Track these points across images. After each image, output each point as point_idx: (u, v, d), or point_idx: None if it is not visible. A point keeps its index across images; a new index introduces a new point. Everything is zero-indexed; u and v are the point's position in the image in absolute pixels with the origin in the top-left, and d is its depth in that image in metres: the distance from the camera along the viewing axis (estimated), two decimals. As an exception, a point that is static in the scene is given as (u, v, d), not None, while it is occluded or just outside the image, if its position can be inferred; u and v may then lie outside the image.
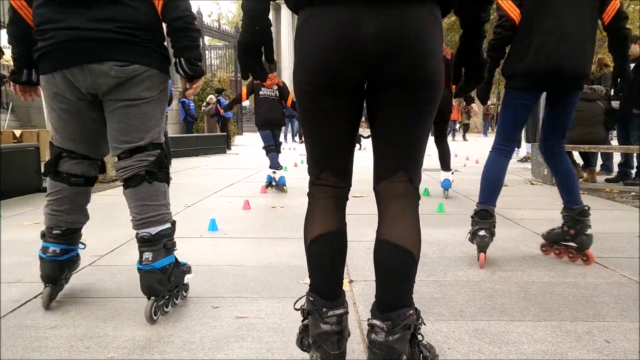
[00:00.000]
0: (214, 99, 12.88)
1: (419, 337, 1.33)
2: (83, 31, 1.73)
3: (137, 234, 1.84)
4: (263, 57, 1.34)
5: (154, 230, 1.83)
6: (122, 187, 1.89)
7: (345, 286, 2.14)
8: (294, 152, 11.67)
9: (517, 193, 5.11)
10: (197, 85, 1.97)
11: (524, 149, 9.10)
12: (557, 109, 2.54)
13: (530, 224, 3.50)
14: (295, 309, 1.45)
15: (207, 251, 2.78)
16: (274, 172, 5.26)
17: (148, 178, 1.83)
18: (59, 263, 1.92)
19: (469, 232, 2.60)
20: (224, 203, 4.48)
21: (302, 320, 1.43)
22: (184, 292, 2.02)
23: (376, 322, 1.24)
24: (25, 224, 3.48)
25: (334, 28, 1.15)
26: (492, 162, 2.59)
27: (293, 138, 17.73)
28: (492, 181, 2.56)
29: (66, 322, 1.79)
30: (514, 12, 2.33)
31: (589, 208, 2.58)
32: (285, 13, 27.50)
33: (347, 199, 1.40)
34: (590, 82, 6.00)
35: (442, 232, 3.25)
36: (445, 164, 4.82)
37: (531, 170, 6.50)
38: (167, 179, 1.91)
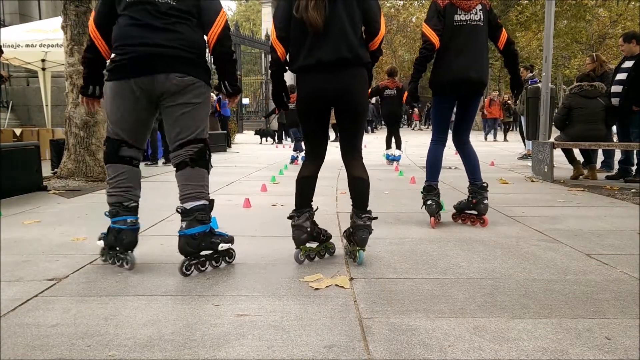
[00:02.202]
0: (214, 97, 12.85)
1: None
2: (153, 48, 2.27)
3: (178, 207, 2.35)
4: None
5: (189, 205, 2.33)
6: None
7: (346, 284, 2.16)
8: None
9: (517, 190, 5.11)
10: (236, 100, 2.62)
11: (524, 145, 9.09)
12: (465, 110, 3.47)
13: (531, 221, 3.50)
14: (287, 217, 2.55)
15: (207, 249, 2.78)
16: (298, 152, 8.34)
17: (190, 164, 2.35)
18: (136, 231, 2.43)
19: (423, 204, 3.50)
20: (224, 201, 4.47)
21: (291, 223, 2.53)
22: (227, 258, 2.51)
23: (362, 215, 2.48)
24: (25, 223, 3.48)
25: (313, 85, 2.44)
26: (434, 150, 3.54)
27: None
28: (435, 164, 3.52)
29: (67, 320, 1.79)
30: (435, 38, 3.21)
31: (487, 184, 3.44)
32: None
33: (321, 163, 2.61)
34: (591, 79, 5.99)
35: (442, 230, 3.26)
36: (399, 146, 8.03)
37: (531, 168, 6.50)
38: (206, 166, 2.41)
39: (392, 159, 8.01)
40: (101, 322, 1.77)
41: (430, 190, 3.47)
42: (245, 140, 16.34)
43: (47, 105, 10.46)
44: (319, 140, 2.58)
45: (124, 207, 2.41)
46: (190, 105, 2.35)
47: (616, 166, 6.26)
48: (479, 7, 3.23)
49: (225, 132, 12.54)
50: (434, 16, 3.23)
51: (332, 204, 4.23)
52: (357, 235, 2.46)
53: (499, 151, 11.48)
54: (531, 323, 1.76)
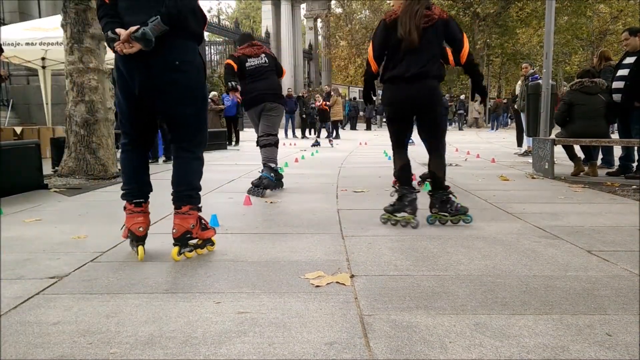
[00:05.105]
0: (217, 96, 12.96)
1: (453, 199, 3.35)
2: (260, 92, 4.79)
3: (265, 164, 4.82)
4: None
5: (272, 165, 4.79)
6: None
7: (347, 281, 2.16)
8: (295, 148, 11.66)
9: (518, 187, 5.10)
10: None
11: (525, 143, 9.08)
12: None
13: (532, 217, 3.50)
14: (390, 195, 3.38)
15: (208, 247, 2.79)
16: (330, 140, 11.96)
17: (274, 144, 4.85)
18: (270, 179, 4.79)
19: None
20: (224, 199, 4.48)
21: (395, 199, 3.31)
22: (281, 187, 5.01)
23: (435, 193, 3.37)
24: (26, 221, 3.48)
25: (396, 94, 3.26)
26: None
27: (294, 134, 17.74)
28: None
29: (69, 318, 1.79)
30: (374, 66, 3.76)
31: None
32: (285, 8, 27.42)
33: (407, 149, 3.47)
34: (592, 75, 5.98)
35: (442, 227, 3.25)
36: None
37: (532, 164, 6.50)
38: (277, 147, 4.91)
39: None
40: (102, 319, 1.78)
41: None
42: (246, 138, 16.33)
43: (47, 104, 10.44)
44: (402, 136, 3.42)
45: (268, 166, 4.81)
46: (273, 116, 4.87)
47: (617, 163, 6.26)
48: None
49: (225, 129, 12.57)
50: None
51: (332, 201, 4.23)
52: (436, 207, 3.30)
53: (500, 148, 11.48)
54: (532, 319, 1.76)
